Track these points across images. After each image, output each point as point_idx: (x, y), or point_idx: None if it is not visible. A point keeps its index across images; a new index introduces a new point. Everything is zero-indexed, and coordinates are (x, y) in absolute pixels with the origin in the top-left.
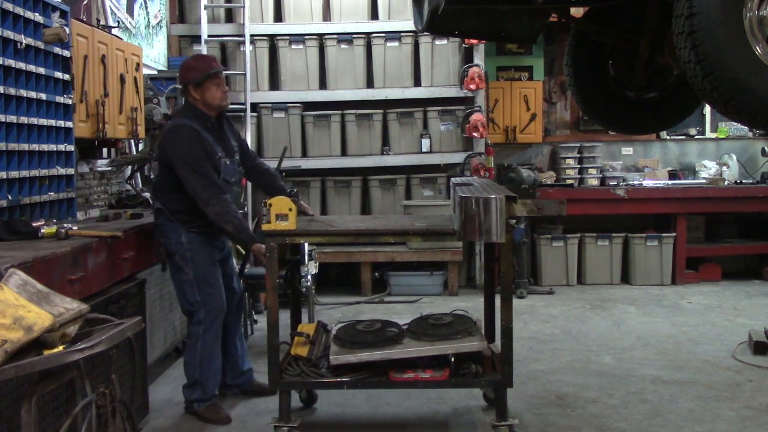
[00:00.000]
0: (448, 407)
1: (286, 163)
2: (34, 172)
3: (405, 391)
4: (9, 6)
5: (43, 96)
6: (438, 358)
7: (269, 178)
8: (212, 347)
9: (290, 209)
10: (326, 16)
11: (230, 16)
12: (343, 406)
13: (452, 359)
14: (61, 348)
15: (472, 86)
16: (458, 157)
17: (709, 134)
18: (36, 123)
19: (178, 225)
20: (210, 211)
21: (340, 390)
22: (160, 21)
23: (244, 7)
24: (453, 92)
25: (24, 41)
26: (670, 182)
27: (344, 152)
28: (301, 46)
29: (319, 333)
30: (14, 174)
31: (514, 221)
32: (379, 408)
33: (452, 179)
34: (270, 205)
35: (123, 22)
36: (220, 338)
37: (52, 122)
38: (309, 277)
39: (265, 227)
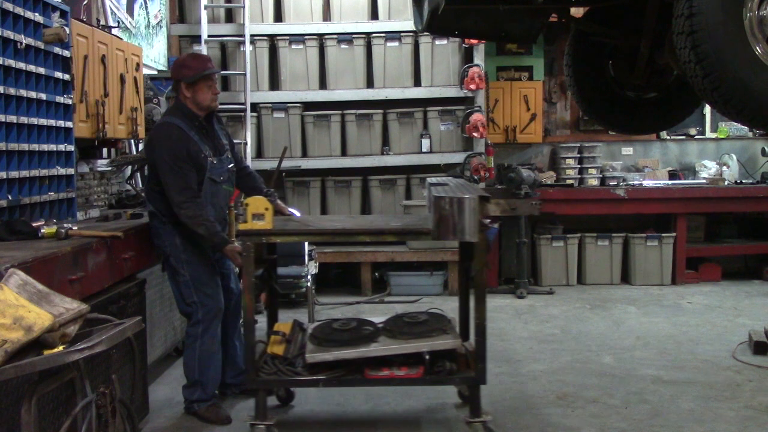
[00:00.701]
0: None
1: (286, 163)
2: (34, 172)
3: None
4: (9, 6)
5: (43, 96)
6: (413, 355)
7: (251, 180)
8: (211, 348)
9: (267, 209)
10: (326, 16)
11: (230, 16)
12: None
13: (427, 357)
14: (61, 348)
15: (472, 86)
16: (458, 157)
17: (709, 134)
18: (36, 123)
19: (170, 227)
20: (182, 214)
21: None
22: (160, 21)
23: (244, 7)
24: (453, 92)
25: (24, 41)
26: (670, 182)
27: (344, 152)
28: (301, 46)
29: (296, 332)
30: (14, 174)
31: (488, 221)
32: (378, 407)
33: (428, 179)
34: (247, 204)
35: (123, 22)
36: (219, 338)
37: (52, 122)
38: (309, 277)
39: (241, 226)
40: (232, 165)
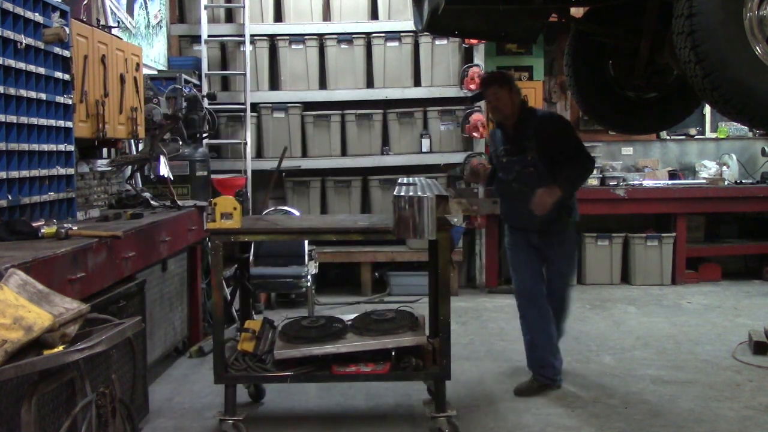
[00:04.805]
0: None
1: (286, 163)
2: (34, 172)
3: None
4: (9, 6)
5: (43, 96)
6: (380, 352)
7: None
8: (530, 326)
9: (235, 208)
10: (326, 16)
11: (230, 16)
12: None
13: (393, 353)
14: (61, 348)
15: (472, 86)
16: (458, 157)
17: (709, 134)
18: (36, 123)
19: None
20: None
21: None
22: (160, 21)
23: (244, 7)
24: (453, 92)
25: (24, 41)
26: (670, 182)
27: (344, 152)
28: (301, 46)
29: (266, 329)
30: (14, 174)
31: (455, 219)
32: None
33: (399, 179)
34: (215, 204)
35: (123, 22)
36: (539, 319)
37: (52, 122)
38: (309, 277)
39: (209, 225)
40: (527, 167)
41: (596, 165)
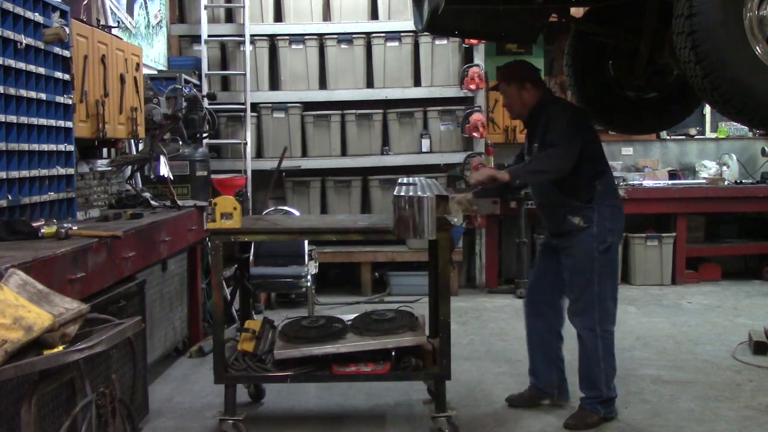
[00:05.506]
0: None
1: (286, 163)
2: (34, 172)
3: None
4: (9, 6)
5: (43, 96)
6: (380, 352)
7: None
8: (527, 330)
9: (234, 208)
10: (326, 16)
11: (230, 16)
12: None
13: (393, 353)
14: (61, 348)
15: (472, 86)
16: (458, 157)
17: (709, 134)
18: (36, 123)
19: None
20: None
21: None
22: (160, 21)
23: (244, 7)
24: (453, 92)
25: (24, 41)
26: (670, 182)
27: (344, 152)
28: (301, 46)
29: (266, 329)
30: (14, 174)
31: (455, 219)
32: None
33: (399, 179)
34: (215, 204)
35: (123, 22)
36: (534, 326)
37: (52, 122)
38: (309, 277)
39: (209, 225)
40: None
41: None
